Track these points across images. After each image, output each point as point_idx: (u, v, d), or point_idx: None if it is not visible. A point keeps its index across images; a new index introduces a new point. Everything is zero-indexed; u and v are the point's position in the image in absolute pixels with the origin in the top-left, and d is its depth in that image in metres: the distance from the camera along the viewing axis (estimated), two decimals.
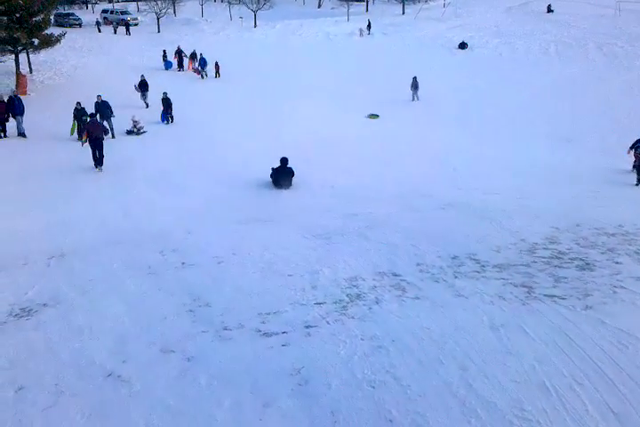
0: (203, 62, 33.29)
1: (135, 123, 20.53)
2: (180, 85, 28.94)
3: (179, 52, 35.55)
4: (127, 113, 20.67)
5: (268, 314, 7.10)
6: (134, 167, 16.60)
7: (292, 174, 15.10)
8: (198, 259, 9.20)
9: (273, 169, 15.09)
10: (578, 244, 9.23)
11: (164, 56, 36.16)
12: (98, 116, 18.80)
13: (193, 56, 34.98)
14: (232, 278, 8.31)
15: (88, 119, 17.80)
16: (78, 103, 19.37)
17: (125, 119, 20.24)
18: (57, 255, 9.76)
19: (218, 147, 18.71)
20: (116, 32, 49.05)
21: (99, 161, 16.32)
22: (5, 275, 8.97)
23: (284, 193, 14.46)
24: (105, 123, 18.92)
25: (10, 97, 20.09)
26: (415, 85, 27.36)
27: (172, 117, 22.15)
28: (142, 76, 25.17)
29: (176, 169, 16.39)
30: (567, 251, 8.89)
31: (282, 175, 15.02)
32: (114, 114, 19.77)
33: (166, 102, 21.93)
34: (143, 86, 24.82)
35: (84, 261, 9.41)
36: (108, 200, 13.70)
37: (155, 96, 22.46)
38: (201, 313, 7.26)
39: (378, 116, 24.61)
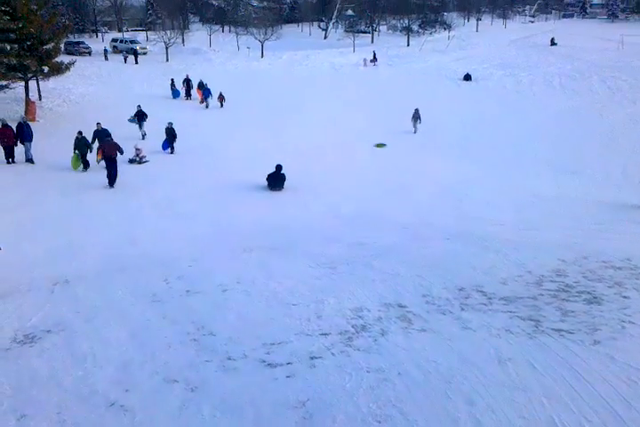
0: (206, 92, 33.47)
1: (138, 151, 20.38)
2: (184, 114, 29.19)
3: (187, 81, 35.96)
4: (130, 142, 20.61)
5: (273, 344, 7.04)
6: (139, 194, 16.68)
7: (284, 179, 17.47)
8: (203, 287, 9.17)
9: (268, 174, 17.40)
10: (585, 277, 9.18)
11: (172, 85, 36.51)
12: (97, 141, 19.00)
13: (200, 86, 35.20)
14: (237, 307, 8.27)
15: (89, 150, 18.88)
16: (79, 133, 19.14)
17: (128, 148, 19.97)
18: (61, 281, 9.74)
19: (221, 175, 18.78)
20: (125, 61, 49.54)
21: (112, 179, 17.22)
22: (10, 301, 8.95)
23: (287, 220, 14.45)
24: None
25: (19, 123, 20.31)
26: (416, 117, 27.30)
27: (172, 148, 21.99)
28: (139, 106, 24.83)
29: (180, 196, 16.47)
30: (574, 284, 8.84)
31: (275, 179, 17.44)
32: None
33: (170, 132, 21.87)
34: (140, 116, 24.46)
35: (89, 288, 9.38)
36: (113, 227, 13.72)
37: (159, 125, 22.46)
38: (205, 342, 7.20)
39: (385, 145, 24.80)
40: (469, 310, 7.87)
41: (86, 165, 19.11)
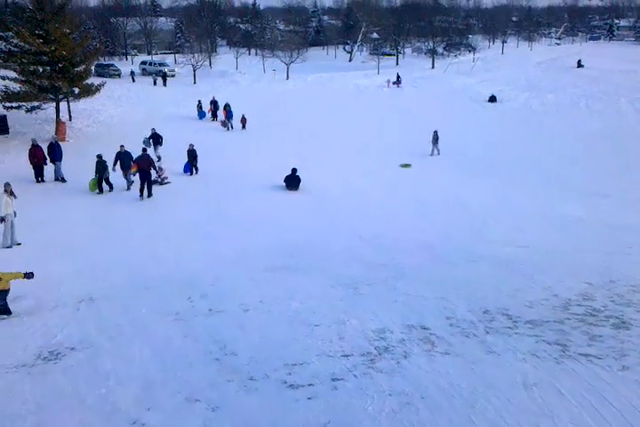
0: (229, 114, 33.38)
1: (160, 172, 20.18)
2: (207, 136, 29.43)
3: (213, 103, 36.44)
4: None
5: (295, 365, 7.00)
6: (163, 214, 16.86)
7: (299, 180, 20.12)
8: (226, 306, 9.19)
9: (286, 176, 20.08)
10: (613, 301, 9.00)
11: (199, 106, 36.97)
12: (118, 165, 19.17)
13: (225, 108, 35.16)
14: (259, 327, 8.25)
15: (109, 173, 18.97)
16: (99, 156, 19.09)
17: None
18: (86, 299, 9.84)
19: (245, 197, 18.86)
20: (155, 83, 50.14)
21: (146, 192, 18.44)
22: (37, 317, 9.06)
23: (309, 240, 14.45)
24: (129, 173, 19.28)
25: (50, 143, 20.86)
26: (435, 139, 26.92)
27: (196, 169, 22.07)
28: (153, 129, 24.56)
29: (203, 217, 16.58)
30: (602, 308, 8.67)
31: (291, 180, 20.09)
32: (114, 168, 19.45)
33: (192, 154, 21.87)
34: (155, 139, 24.19)
35: (113, 306, 9.46)
36: (138, 246, 13.86)
37: (182, 145, 22.56)
38: (227, 362, 7.19)
39: (410, 165, 24.79)
40: (494, 333, 7.76)
41: (106, 187, 19.14)
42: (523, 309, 8.64)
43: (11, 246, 14.09)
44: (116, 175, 19.34)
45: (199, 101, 37.28)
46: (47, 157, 20.44)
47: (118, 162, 19.24)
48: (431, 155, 26.93)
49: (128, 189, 19.35)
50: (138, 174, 18.58)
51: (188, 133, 27.20)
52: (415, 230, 15.58)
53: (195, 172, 22.08)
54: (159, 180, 20.22)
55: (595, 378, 6.46)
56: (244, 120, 33.04)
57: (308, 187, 20.18)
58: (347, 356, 7.17)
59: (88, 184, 19.03)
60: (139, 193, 18.38)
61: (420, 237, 14.91)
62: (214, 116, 36.16)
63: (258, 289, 10.02)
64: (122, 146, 19.70)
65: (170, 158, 22.39)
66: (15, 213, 14.17)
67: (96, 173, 19.00)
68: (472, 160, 25.73)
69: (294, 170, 20.25)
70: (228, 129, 33.03)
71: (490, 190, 20.76)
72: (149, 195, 18.52)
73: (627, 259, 12.36)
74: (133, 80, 52.37)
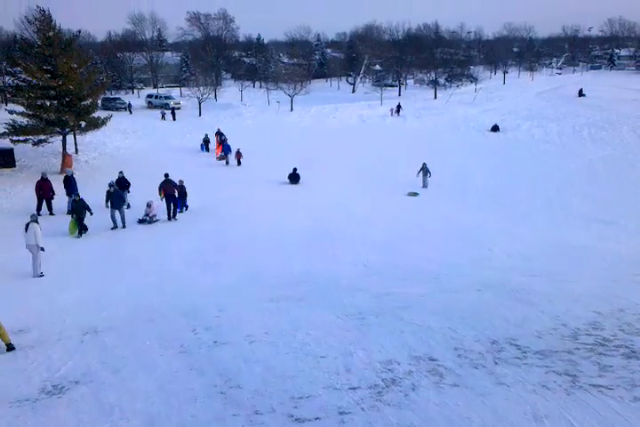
0: (226, 148, 32.17)
1: (148, 210, 19.59)
2: (203, 170, 29.06)
3: (219, 134, 36.58)
4: (138, 199, 20.38)
5: (301, 398, 6.89)
6: (168, 246, 16.88)
7: (299, 177, 26.96)
8: (230, 338, 9.10)
9: (289, 174, 26.81)
10: (622, 330, 8.88)
11: (206, 140, 36.42)
12: (109, 203, 18.92)
13: (222, 142, 34.10)
14: (264, 359, 8.16)
15: (87, 214, 18.06)
16: (77, 194, 18.46)
17: (139, 207, 19.85)
18: (91, 331, 9.78)
19: (244, 231, 18.70)
20: (163, 118, 49.79)
21: (173, 214, 20.08)
22: (40, 350, 8.99)
23: (315, 270, 14.38)
24: (117, 213, 18.94)
25: (66, 176, 21.25)
26: (425, 171, 26.50)
27: (186, 206, 21.27)
28: (121, 173, 22.27)
29: (206, 249, 16.60)
30: (611, 338, 8.54)
31: (293, 177, 26.82)
32: (127, 203, 19.74)
33: (181, 190, 20.99)
34: (122, 184, 21.45)
35: (117, 338, 9.39)
36: (142, 278, 13.86)
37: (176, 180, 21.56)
38: (232, 395, 7.09)
39: (417, 194, 24.85)
40: (503, 364, 7.64)
41: (82, 229, 18.17)
42: (531, 339, 8.53)
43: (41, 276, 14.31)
44: (99, 215, 18.77)
45: (206, 135, 36.79)
46: (54, 190, 20.65)
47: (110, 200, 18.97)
48: (425, 187, 26.32)
49: (114, 227, 18.89)
50: (164, 199, 20.08)
51: (188, 168, 27.16)
52: (420, 259, 15.53)
53: (185, 209, 21.28)
54: (147, 218, 19.67)
55: (606, 409, 6.32)
56: (238, 155, 31.76)
57: (312, 215, 20.22)
58: (354, 388, 7.06)
59: (68, 227, 18.22)
60: (166, 217, 19.95)
61: (426, 265, 14.85)
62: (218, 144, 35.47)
63: (263, 320, 9.94)
64: (112, 185, 19.44)
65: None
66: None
67: (73, 213, 18.33)
68: (476, 188, 25.80)
69: (295, 169, 26.89)
70: (227, 163, 31.94)
71: (494, 218, 20.75)
72: (173, 216, 20.06)
73: (634, 287, 12.25)
74: (130, 112, 52.78)
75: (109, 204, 19.06)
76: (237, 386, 7.32)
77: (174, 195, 20.08)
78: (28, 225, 14.42)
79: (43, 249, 14.30)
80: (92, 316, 10.88)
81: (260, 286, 13.10)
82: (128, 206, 20.48)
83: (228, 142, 33.11)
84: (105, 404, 7.00)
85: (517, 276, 13.31)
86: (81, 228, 18.12)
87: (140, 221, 19.72)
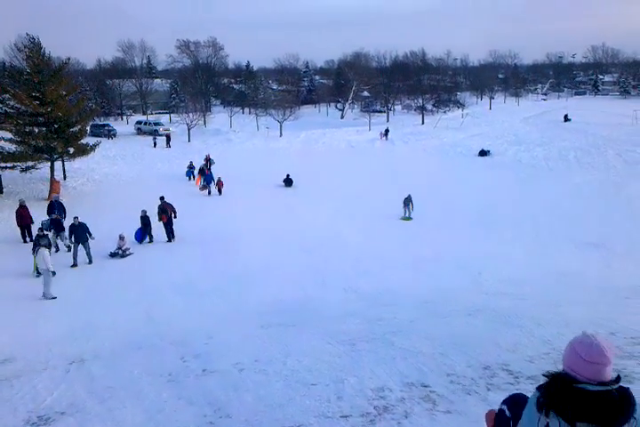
0: (208, 178, 31.20)
1: (121, 243, 18.76)
2: (186, 199, 27.70)
3: (208, 160, 36.50)
4: (106, 231, 19.68)
5: None
6: (156, 274, 16.76)
7: (292, 181, 32.29)
8: (220, 366, 8.97)
9: (283, 179, 32.11)
10: (614, 354, 8.85)
11: (191, 166, 35.79)
12: (73, 238, 18.10)
13: (202, 172, 33.17)
14: (254, 387, 8.03)
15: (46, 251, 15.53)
16: (40, 229, 17.42)
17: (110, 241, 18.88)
18: (77, 361, 9.61)
19: (233, 258, 18.65)
20: (155, 145, 49.24)
21: (170, 235, 20.74)
22: (26, 380, 8.81)
23: (305, 296, 14.29)
24: (80, 246, 18.02)
25: (51, 201, 21.15)
26: (407, 203, 25.71)
27: (150, 237, 20.70)
28: (55, 214, 20.18)
29: (194, 276, 16.50)
30: None
31: (287, 181, 31.97)
32: (92, 236, 18.30)
33: (144, 221, 20.46)
34: (57, 226, 19.74)
35: (104, 367, 9.24)
36: (129, 306, 13.71)
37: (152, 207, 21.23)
38: (221, 425, 6.95)
39: (410, 218, 24.86)
40: (496, 389, 7.57)
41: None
42: (523, 364, 8.47)
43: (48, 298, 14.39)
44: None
45: (191, 162, 36.27)
46: (31, 218, 20.54)
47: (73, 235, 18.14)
48: (407, 216, 25.62)
49: (74, 265, 17.71)
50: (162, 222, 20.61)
51: (170, 195, 26.48)
52: (410, 284, 15.50)
53: (149, 239, 20.75)
54: (120, 252, 18.79)
55: None
56: (220, 184, 30.74)
57: (301, 241, 20.18)
58: (346, 417, 6.95)
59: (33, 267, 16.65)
60: (166, 239, 20.61)
61: (416, 290, 14.82)
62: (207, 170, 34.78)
63: (252, 347, 9.82)
64: (75, 217, 18.58)
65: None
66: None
67: (34, 249, 16.47)
68: (464, 213, 25.90)
69: (288, 175, 32.27)
70: (209, 193, 30.79)
71: (483, 242, 20.79)
72: (172, 238, 20.68)
73: (624, 310, 12.25)
74: (109, 138, 52.49)
75: (73, 238, 18.09)
76: (227, 416, 7.19)
77: (170, 217, 20.78)
78: (35, 250, 14.93)
79: (54, 273, 14.49)
80: (78, 345, 10.72)
81: (250, 312, 12.99)
82: (69, 249, 18.98)
83: (213, 169, 32.75)
84: None
85: (507, 300, 13.31)
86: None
87: (112, 255, 18.70)
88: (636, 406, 2.89)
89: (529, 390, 7.59)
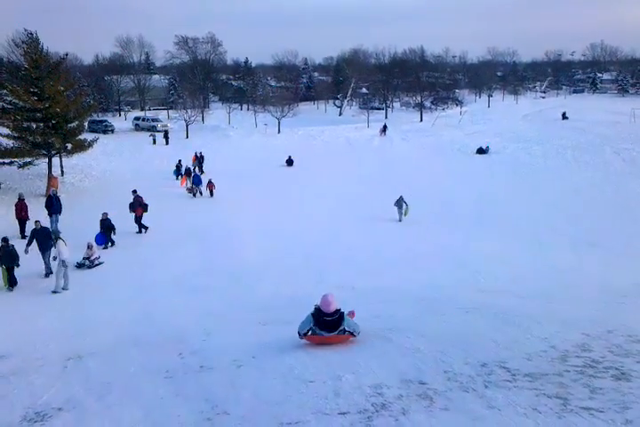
0: (196, 180, 29.99)
1: (89, 252, 17.11)
2: (170, 202, 27.52)
3: (199, 158, 35.87)
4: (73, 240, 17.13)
5: (290, 424, 6.75)
6: (153, 270, 16.73)
7: (293, 161, 35.97)
8: (217, 362, 8.96)
9: (285, 160, 35.90)
10: (611, 351, 8.86)
11: (179, 165, 34.75)
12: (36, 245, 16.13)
13: (188, 173, 32.27)
14: (251, 384, 8.02)
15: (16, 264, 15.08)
16: (4, 239, 15.17)
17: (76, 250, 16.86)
18: (74, 357, 9.59)
19: (231, 255, 18.57)
20: (154, 142, 48.75)
21: (141, 227, 21.36)
22: (23, 376, 8.80)
23: (301, 293, 14.26)
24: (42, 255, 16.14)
25: (49, 195, 21.12)
26: (400, 204, 24.51)
27: (112, 241, 19.45)
28: (4, 239, 15.34)
29: (192, 272, 16.46)
30: (601, 359, 8.51)
31: (289, 162, 34.88)
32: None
33: (105, 224, 19.20)
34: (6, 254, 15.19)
35: (102, 364, 9.22)
36: (126, 302, 13.70)
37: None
38: (219, 422, 6.94)
39: (406, 212, 24.15)
40: (493, 387, 7.57)
41: (13, 282, 15.17)
42: (521, 361, 8.47)
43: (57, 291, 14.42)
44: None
45: (179, 161, 35.21)
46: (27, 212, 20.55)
47: (34, 241, 16.19)
48: (400, 220, 24.51)
49: (46, 275, 16.10)
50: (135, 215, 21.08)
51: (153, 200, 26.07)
52: (408, 282, 15.50)
53: (110, 244, 19.46)
54: (87, 262, 17.11)
55: None
56: (210, 186, 29.55)
57: (299, 239, 20.17)
58: (343, 413, 6.94)
59: (2, 279, 15.37)
60: (138, 230, 21.13)
61: (413, 288, 14.82)
62: (200, 171, 34.72)
63: (250, 344, 9.82)
64: (37, 221, 16.85)
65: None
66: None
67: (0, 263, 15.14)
68: (462, 211, 25.90)
69: (290, 156, 36.89)
70: (194, 195, 29.51)
71: (481, 241, 20.80)
72: (144, 230, 21.24)
73: (622, 308, 12.28)
74: (112, 132, 53.01)
75: (37, 245, 16.10)
76: (224, 412, 7.18)
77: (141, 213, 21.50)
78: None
79: (64, 263, 14.58)
80: (75, 341, 10.70)
81: (247, 309, 12.98)
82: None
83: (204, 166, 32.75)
84: None
85: (505, 298, 13.31)
86: (12, 279, 15.09)
87: (79, 266, 16.79)
88: (344, 321, 8.83)
89: (526, 387, 7.64)
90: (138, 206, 21.27)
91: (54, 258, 15.15)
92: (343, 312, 8.78)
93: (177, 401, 7.58)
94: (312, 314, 8.90)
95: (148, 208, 21.76)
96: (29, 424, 7.15)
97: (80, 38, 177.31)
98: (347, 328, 8.93)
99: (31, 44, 28.26)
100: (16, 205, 20.47)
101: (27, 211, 20.41)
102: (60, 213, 20.82)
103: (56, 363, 9.36)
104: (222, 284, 15.20)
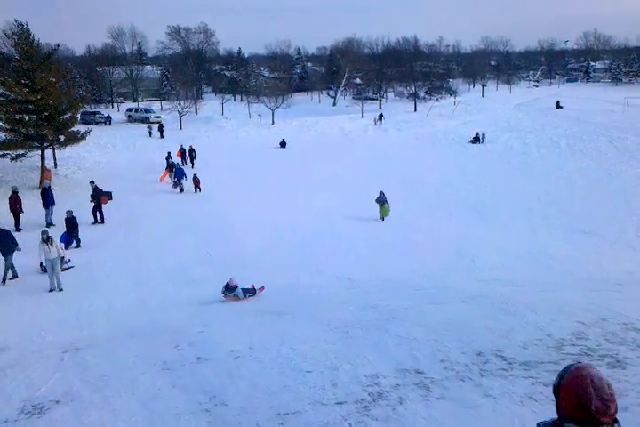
0: (179, 173, 28.27)
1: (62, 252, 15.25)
2: (164, 194, 27.15)
3: (190, 151, 35.20)
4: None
5: (287, 414, 6.78)
6: (148, 261, 16.70)
7: (286, 143, 38.07)
8: (214, 354, 8.97)
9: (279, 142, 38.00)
10: (606, 340, 8.91)
11: (169, 157, 32.94)
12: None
13: (170, 167, 30.70)
14: (249, 375, 8.04)
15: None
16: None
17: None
18: (71, 349, 9.58)
19: (227, 245, 18.72)
20: (150, 135, 47.80)
21: (97, 217, 21.32)
22: (20, 369, 8.79)
23: (299, 284, 14.30)
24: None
25: (43, 188, 21.08)
26: (382, 201, 22.59)
27: (77, 240, 18.52)
28: None
29: (188, 263, 16.44)
30: (596, 347, 8.57)
31: (282, 144, 33.90)
32: (19, 246, 15.27)
33: (70, 222, 18.29)
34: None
35: (99, 356, 9.22)
36: (123, 294, 13.68)
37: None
38: (217, 412, 6.96)
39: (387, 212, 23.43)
40: (489, 375, 7.61)
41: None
42: (517, 350, 8.52)
43: (52, 290, 14.16)
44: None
45: (169, 153, 33.56)
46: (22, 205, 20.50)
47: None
48: (381, 219, 22.67)
49: (13, 277, 15.24)
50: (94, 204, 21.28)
51: (138, 195, 25.74)
52: (403, 272, 15.53)
53: (76, 244, 18.51)
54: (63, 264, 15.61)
55: None
56: (196, 181, 27.92)
57: (295, 228, 20.16)
58: (340, 403, 6.98)
59: None
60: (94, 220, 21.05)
61: (409, 278, 14.86)
62: (185, 163, 34.25)
63: (247, 335, 9.83)
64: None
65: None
66: (62, 259, 14.69)
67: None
68: (457, 200, 25.93)
69: (283, 139, 39.06)
70: (181, 191, 28.00)
71: (476, 230, 20.84)
72: (101, 220, 21.28)
73: (616, 296, 12.34)
74: (109, 124, 53.61)
75: None
76: (222, 403, 7.20)
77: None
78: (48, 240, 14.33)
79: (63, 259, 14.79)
80: (72, 333, 10.70)
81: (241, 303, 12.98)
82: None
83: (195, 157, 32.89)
84: (86, 424, 6.84)
85: (501, 287, 13.37)
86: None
87: (44, 270, 15.24)
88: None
89: (522, 375, 7.67)
90: (101, 195, 21.70)
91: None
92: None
93: (174, 393, 7.60)
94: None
95: (112, 195, 23.02)
96: (27, 417, 7.15)
97: (71, 29, 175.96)
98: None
99: (22, 35, 27.96)
100: (10, 198, 20.39)
101: (21, 204, 20.37)
102: (53, 205, 20.79)
103: (53, 355, 9.36)
104: (219, 275, 15.18)
